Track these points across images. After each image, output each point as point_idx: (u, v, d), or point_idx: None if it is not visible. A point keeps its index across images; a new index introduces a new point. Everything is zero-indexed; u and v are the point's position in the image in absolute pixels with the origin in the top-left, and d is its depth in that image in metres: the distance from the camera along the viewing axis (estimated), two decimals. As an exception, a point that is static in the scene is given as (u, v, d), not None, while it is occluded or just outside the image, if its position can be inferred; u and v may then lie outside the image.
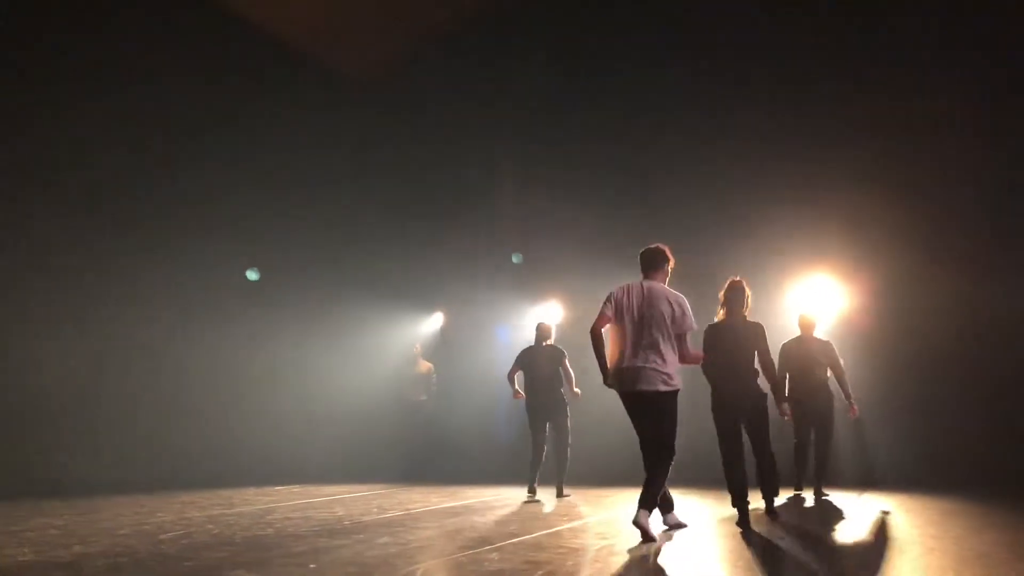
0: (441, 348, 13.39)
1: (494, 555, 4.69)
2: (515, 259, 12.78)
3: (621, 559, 4.53)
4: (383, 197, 13.56)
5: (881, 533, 5.65)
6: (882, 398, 9.59)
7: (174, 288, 12.27)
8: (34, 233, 11.07)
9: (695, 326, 5.64)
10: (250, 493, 9.75)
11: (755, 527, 5.88)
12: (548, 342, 9.09)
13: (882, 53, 10.37)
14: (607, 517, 6.69)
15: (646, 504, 5.28)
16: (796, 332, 8.54)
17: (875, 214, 9.91)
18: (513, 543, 5.19)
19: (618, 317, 5.64)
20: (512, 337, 11.87)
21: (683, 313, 5.55)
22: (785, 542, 5.30)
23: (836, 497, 8.02)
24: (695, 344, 5.91)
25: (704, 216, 10.81)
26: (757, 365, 6.32)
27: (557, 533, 5.76)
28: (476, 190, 13.42)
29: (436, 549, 5.06)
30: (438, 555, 4.81)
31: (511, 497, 8.59)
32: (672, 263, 5.87)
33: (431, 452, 12.30)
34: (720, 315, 6.48)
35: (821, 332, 8.96)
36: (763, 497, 6.48)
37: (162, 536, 5.84)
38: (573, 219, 11.89)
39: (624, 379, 5.51)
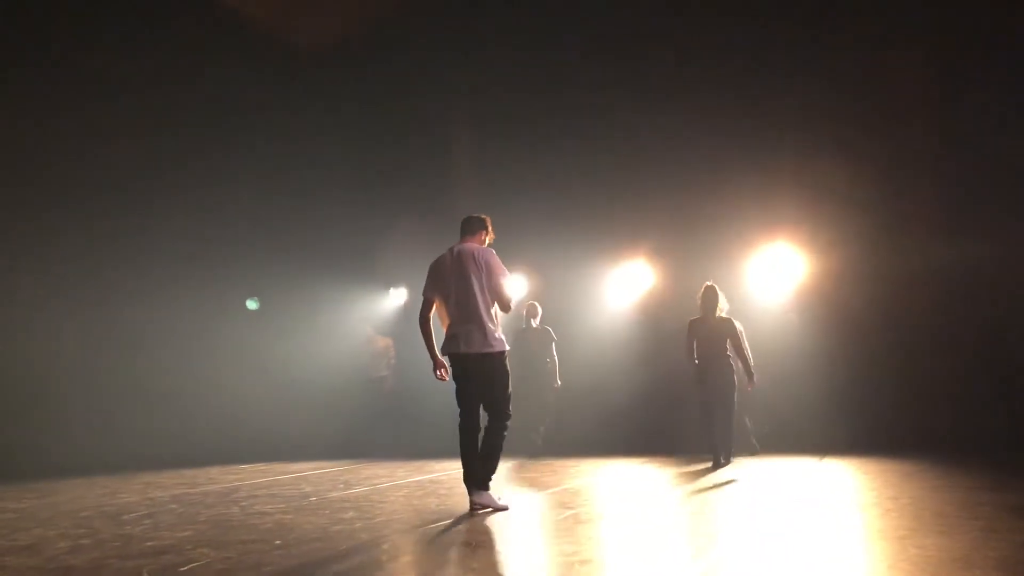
0: (405, 323, 13.31)
1: (460, 527, 4.71)
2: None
3: (588, 527, 4.57)
4: (344, 171, 13.39)
5: (840, 495, 5.76)
6: (844, 363, 9.72)
7: (130, 267, 12.06)
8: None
9: (505, 273, 5.57)
10: (215, 472, 9.68)
11: (717, 491, 5.97)
12: (535, 322, 9.79)
13: (838, 19, 10.41)
14: (572, 487, 6.75)
15: (480, 483, 5.41)
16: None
17: (832, 180, 10.00)
18: (479, 515, 5.21)
19: (439, 290, 5.60)
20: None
21: (489, 269, 5.48)
22: (751, 506, 5.39)
23: (798, 461, 8.16)
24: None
25: (666, 186, 10.83)
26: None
27: (523, 504, 5.80)
28: (434, 161, 13.30)
29: (403, 523, 5.07)
30: (405, 529, 4.81)
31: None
32: (491, 235, 5.82)
33: (397, 427, 12.28)
34: (700, 313, 8.17)
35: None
36: (718, 454, 7.94)
37: (125, 517, 5.78)
38: (534, 190, 11.85)
39: (449, 343, 5.53)
